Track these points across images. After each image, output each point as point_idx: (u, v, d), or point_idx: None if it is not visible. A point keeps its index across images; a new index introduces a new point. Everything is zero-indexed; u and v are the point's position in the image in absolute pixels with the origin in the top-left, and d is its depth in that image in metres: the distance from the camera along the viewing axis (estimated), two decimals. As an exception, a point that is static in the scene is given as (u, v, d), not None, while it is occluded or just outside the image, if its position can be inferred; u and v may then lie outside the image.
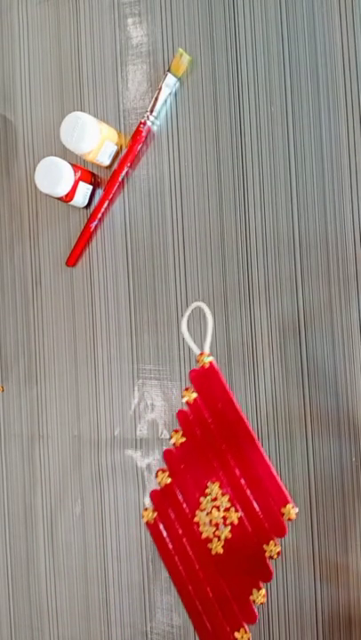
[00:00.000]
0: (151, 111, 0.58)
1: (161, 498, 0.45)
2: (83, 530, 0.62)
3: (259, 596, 0.43)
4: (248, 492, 0.43)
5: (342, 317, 0.52)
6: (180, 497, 0.45)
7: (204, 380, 0.45)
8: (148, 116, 0.58)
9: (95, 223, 0.61)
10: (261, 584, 0.43)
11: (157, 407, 0.59)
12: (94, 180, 0.61)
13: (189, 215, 0.58)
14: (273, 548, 0.43)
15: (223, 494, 0.44)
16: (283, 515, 0.43)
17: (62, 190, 0.57)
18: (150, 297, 0.59)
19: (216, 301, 0.56)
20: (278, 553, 0.43)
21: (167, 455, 0.46)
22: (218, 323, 0.56)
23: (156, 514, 0.46)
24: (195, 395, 0.46)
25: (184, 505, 0.45)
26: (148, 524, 0.46)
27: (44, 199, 0.64)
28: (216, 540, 0.44)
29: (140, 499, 0.59)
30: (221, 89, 0.56)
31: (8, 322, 0.66)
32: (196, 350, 0.49)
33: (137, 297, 0.60)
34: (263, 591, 0.43)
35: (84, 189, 0.59)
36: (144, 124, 0.58)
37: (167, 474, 0.45)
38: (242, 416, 0.44)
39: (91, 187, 0.60)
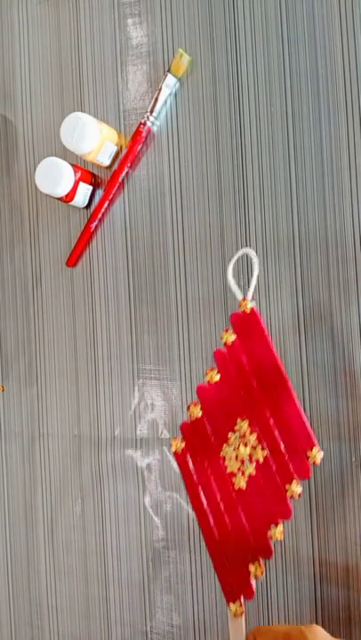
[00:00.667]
0: (151, 111, 0.58)
1: (190, 430, 0.47)
2: (83, 528, 0.62)
3: (276, 532, 0.44)
4: (276, 432, 0.44)
5: (342, 319, 0.52)
6: (209, 430, 0.46)
7: (244, 323, 0.47)
8: (148, 117, 0.58)
9: (95, 223, 0.61)
10: (280, 520, 0.44)
11: (157, 407, 0.59)
12: (94, 181, 0.61)
13: (189, 215, 0.58)
14: (295, 488, 0.44)
15: (251, 432, 0.45)
16: (308, 458, 0.44)
17: (62, 190, 0.57)
18: (150, 297, 0.59)
19: (216, 301, 0.56)
20: (300, 494, 0.44)
21: (200, 391, 0.47)
22: (218, 324, 0.56)
23: (184, 444, 0.47)
24: (233, 337, 0.47)
25: (212, 438, 0.46)
26: (175, 453, 0.48)
27: (44, 199, 0.64)
28: (240, 474, 0.45)
29: (140, 498, 0.59)
30: (221, 89, 0.56)
31: (8, 321, 0.66)
32: (240, 296, 0.50)
33: (137, 297, 0.60)
34: (281, 528, 0.44)
35: (85, 189, 0.59)
36: (144, 124, 0.58)
37: (199, 407, 0.47)
38: (278, 360, 0.45)
39: (91, 187, 0.60)
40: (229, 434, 0.46)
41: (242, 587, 0.45)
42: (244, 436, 0.46)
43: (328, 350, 0.52)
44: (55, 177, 0.56)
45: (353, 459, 0.51)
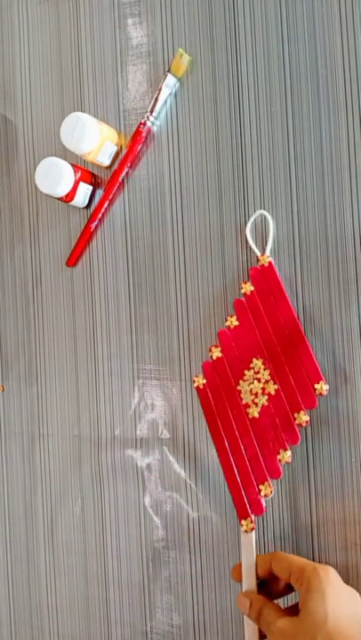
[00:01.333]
0: (151, 111, 0.58)
1: (211, 368, 0.54)
2: (83, 529, 0.62)
3: (285, 456, 0.50)
4: (287, 368, 0.51)
5: (342, 319, 0.52)
6: (227, 368, 0.53)
7: (262, 276, 0.53)
8: (148, 117, 0.58)
9: (95, 223, 0.61)
10: (288, 446, 0.50)
11: (157, 407, 0.59)
12: (94, 181, 0.61)
13: (189, 215, 0.58)
14: (303, 416, 0.50)
15: (265, 369, 0.51)
16: (315, 390, 0.50)
17: (62, 190, 0.57)
18: (150, 297, 0.59)
19: (216, 302, 0.56)
20: (307, 422, 0.50)
21: (221, 335, 0.54)
22: (218, 323, 0.56)
23: (205, 381, 0.54)
24: (252, 288, 0.53)
25: (230, 375, 0.53)
26: (197, 388, 0.54)
27: (44, 199, 0.64)
28: (254, 405, 0.51)
29: (140, 498, 0.59)
30: (221, 89, 0.56)
31: (8, 321, 0.66)
32: (258, 252, 0.54)
33: (137, 297, 0.60)
34: (289, 452, 0.50)
35: (85, 189, 0.59)
36: (144, 124, 0.58)
37: (219, 349, 0.54)
38: (291, 308, 0.52)
39: (91, 187, 0.60)
40: (245, 371, 0.52)
41: (253, 505, 0.51)
42: (258, 372, 0.52)
43: (328, 349, 0.52)
44: (55, 177, 0.56)
45: (353, 459, 0.51)
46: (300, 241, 0.53)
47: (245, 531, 0.51)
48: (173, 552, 0.58)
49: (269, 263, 0.53)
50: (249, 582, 0.49)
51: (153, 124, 0.58)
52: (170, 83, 0.57)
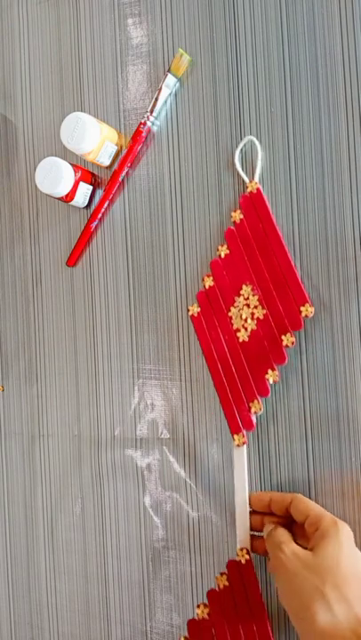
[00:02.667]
0: (151, 111, 0.58)
1: (204, 297, 0.56)
2: (83, 528, 0.62)
3: (272, 376, 0.52)
4: (274, 293, 0.53)
5: (342, 318, 0.52)
6: (219, 296, 0.55)
7: (251, 203, 0.54)
8: (148, 117, 0.58)
9: (95, 223, 0.61)
10: (275, 366, 0.52)
11: (157, 407, 0.59)
12: (94, 181, 0.61)
13: (189, 215, 0.58)
14: (289, 338, 0.52)
15: (254, 295, 0.53)
16: (301, 312, 0.52)
17: (62, 190, 0.57)
18: (150, 297, 0.59)
19: (216, 302, 0.56)
20: (293, 342, 0.51)
21: (213, 264, 0.55)
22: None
23: (199, 309, 0.56)
24: (241, 216, 0.54)
25: (222, 302, 0.55)
26: (192, 316, 0.56)
27: (44, 199, 0.64)
28: (244, 330, 0.54)
29: (140, 498, 0.59)
30: (221, 89, 0.56)
31: (8, 321, 0.66)
32: (247, 179, 0.54)
33: (137, 297, 0.60)
34: (277, 372, 0.52)
35: (85, 189, 0.59)
36: (144, 124, 0.58)
37: (211, 278, 0.55)
38: (278, 233, 0.53)
39: (91, 187, 0.60)
40: (235, 297, 0.54)
41: (244, 421, 0.53)
42: (247, 298, 0.54)
43: (328, 349, 0.52)
44: (55, 177, 0.56)
45: (353, 459, 0.51)
46: (301, 241, 0.53)
47: (237, 445, 0.53)
48: (173, 552, 0.58)
49: (258, 190, 0.54)
50: (241, 496, 0.53)
51: (153, 123, 0.58)
52: (170, 83, 0.57)
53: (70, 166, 0.57)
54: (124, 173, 0.59)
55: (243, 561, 0.52)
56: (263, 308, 0.53)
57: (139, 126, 0.58)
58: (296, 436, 0.53)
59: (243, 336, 0.54)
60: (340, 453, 0.52)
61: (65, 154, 0.60)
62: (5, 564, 0.66)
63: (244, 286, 0.54)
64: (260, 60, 0.54)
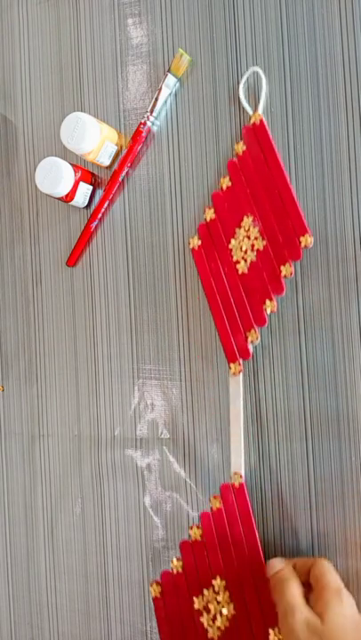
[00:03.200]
0: (151, 111, 0.58)
1: (205, 230, 0.56)
2: (83, 528, 0.62)
3: (270, 306, 0.52)
4: (275, 224, 0.53)
5: (342, 318, 0.52)
6: (220, 228, 0.55)
7: (253, 134, 0.54)
8: (148, 117, 0.58)
9: (95, 223, 0.61)
10: (273, 296, 0.52)
11: (157, 407, 0.59)
12: (94, 181, 0.61)
13: (189, 215, 0.58)
14: (288, 268, 0.52)
15: (255, 226, 0.53)
16: (300, 242, 0.51)
17: (63, 190, 0.57)
18: (150, 297, 0.59)
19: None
20: (291, 273, 0.52)
21: (215, 196, 0.55)
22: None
23: (200, 242, 0.56)
24: (244, 147, 0.54)
25: (222, 235, 0.55)
26: (192, 250, 0.56)
27: (44, 199, 0.64)
28: (243, 262, 0.54)
29: (140, 498, 0.59)
30: (221, 89, 0.56)
31: (8, 321, 0.66)
32: (250, 110, 0.54)
33: (137, 297, 0.60)
34: (274, 302, 0.52)
35: (85, 189, 0.59)
36: (144, 124, 0.58)
37: (213, 210, 0.55)
38: (280, 164, 0.53)
39: (91, 187, 0.60)
40: (236, 229, 0.54)
41: (240, 350, 0.54)
42: (248, 230, 0.54)
43: (328, 349, 0.52)
44: (55, 177, 0.56)
45: (353, 459, 0.52)
46: (300, 241, 0.53)
47: (233, 373, 0.54)
48: (173, 552, 0.58)
49: (261, 121, 0.54)
50: (236, 423, 0.54)
51: (153, 123, 0.58)
52: (170, 83, 0.57)
53: (70, 166, 0.57)
54: (124, 173, 0.59)
55: (236, 484, 0.53)
56: (263, 239, 0.53)
57: (139, 126, 0.58)
58: (296, 436, 0.53)
59: (242, 268, 0.54)
60: (340, 453, 0.52)
61: (65, 154, 0.60)
62: (5, 563, 0.66)
63: (245, 218, 0.54)
64: (261, 59, 0.54)
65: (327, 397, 0.52)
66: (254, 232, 0.53)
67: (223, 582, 0.52)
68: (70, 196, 0.58)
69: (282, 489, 0.54)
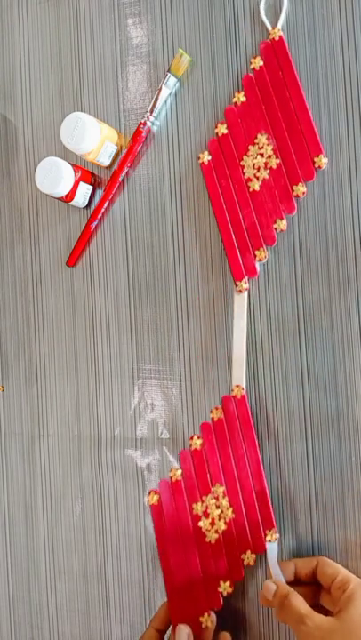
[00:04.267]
0: (151, 111, 0.58)
1: (216, 145, 0.55)
2: (83, 528, 0.62)
3: (281, 225, 0.53)
4: (290, 142, 0.52)
5: (342, 318, 0.52)
6: (232, 145, 0.55)
7: (272, 50, 0.53)
8: (148, 117, 0.58)
9: (95, 223, 0.61)
10: (284, 215, 0.53)
11: (157, 407, 0.59)
12: (94, 181, 0.61)
13: (189, 215, 0.58)
14: (300, 188, 0.52)
15: (268, 144, 0.53)
16: (314, 163, 0.52)
17: (62, 190, 0.57)
18: (150, 297, 0.59)
19: (216, 301, 0.56)
20: (304, 192, 0.52)
21: (228, 111, 0.55)
22: (218, 323, 0.56)
23: (210, 157, 0.55)
24: (261, 63, 0.54)
25: (234, 151, 0.54)
26: (202, 164, 0.56)
27: (44, 199, 0.64)
28: (255, 179, 0.53)
29: (139, 498, 0.59)
30: (221, 89, 0.56)
31: (8, 321, 0.66)
32: (269, 26, 0.54)
33: (137, 297, 0.60)
34: (285, 221, 0.53)
35: (85, 189, 0.59)
36: (144, 124, 0.58)
37: (225, 126, 0.55)
38: (298, 82, 0.52)
39: (91, 187, 0.60)
40: (249, 147, 0.54)
41: (247, 268, 0.55)
42: (262, 147, 0.53)
43: (328, 349, 0.52)
44: (55, 177, 0.56)
45: (353, 459, 0.52)
46: (301, 241, 0.53)
47: (239, 291, 0.55)
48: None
49: (280, 37, 0.53)
50: (240, 339, 0.55)
51: (153, 123, 0.58)
52: (170, 83, 0.57)
53: (70, 166, 0.57)
54: (124, 173, 0.59)
55: (238, 396, 0.54)
56: (277, 157, 0.53)
57: (139, 126, 0.58)
58: (296, 436, 0.53)
59: (253, 185, 0.54)
60: (340, 453, 0.52)
61: (65, 154, 0.60)
62: (5, 563, 0.66)
63: (258, 135, 0.53)
64: (260, 59, 0.54)
65: (327, 397, 0.52)
66: (268, 150, 0.53)
67: (223, 488, 0.53)
68: (70, 196, 0.58)
69: (281, 488, 0.54)
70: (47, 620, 0.64)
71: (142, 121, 0.58)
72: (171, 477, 0.55)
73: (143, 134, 0.58)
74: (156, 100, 0.57)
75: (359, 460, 0.51)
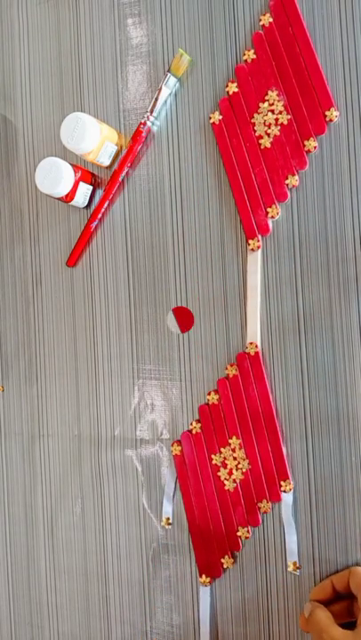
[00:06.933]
0: (151, 111, 0.58)
1: (227, 104, 0.55)
2: (83, 528, 0.62)
3: (292, 181, 0.53)
4: (300, 97, 0.52)
5: (342, 318, 0.52)
6: (243, 103, 0.54)
7: (281, 6, 0.53)
8: (148, 117, 0.58)
9: (95, 223, 0.61)
10: (296, 171, 0.53)
11: (157, 407, 0.59)
12: (94, 181, 0.61)
13: (189, 215, 0.58)
14: (312, 143, 0.52)
15: (279, 100, 0.53)
16: (326, 116, 0.52)
17: (62, 190, 0.57)
18: (150, 297, 0.59)
19: (216, 302, 0.56)
20: (315, 147, 0.52)
21: (239, 69, 0.55)
22: (217, 324, 0.56)
23: (221, 117, 0.55)
24: (271, 19, 0.54)
25: (245, 109, 0.54)
26: (213, 124, 0.56)
27: (44, 199, 0.64)
28: (266, 136, 0.54)
29: (139, 498, 0.59)
30: (221, 89, 0.56)
31: (8, 321, 0.66)
32: None
33: (137, 297, 0.60)
34: (296, 177, 0.53)
35: (85, 189, 0.59)
36: (144, 124, 0.58)
37: (235, 84, 0.55)
38: (308, 37, 0.52)
39: (91, 187, 0.60)
40: (260, 104, 0.54)
41: (260, 226, 0.55)
42: (272, 104, 0.53)
43: (328, 348, 0.52)
44: (55, 177, 0.56)
45: (353, 458, 0.52)
46: (300, 241, 0.53)
47: (252, 249, 0.55)
48: (173, 552, 0.58)
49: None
50: (253, 297, 0.55)
51: (153, 123, 0.58)
52: (170, 83, 0.57)
53: (70, 166, 0.57)
54: (124, 173, 0.59)
55: (252, 353, 0.55)
56: (288, 113, 0.53)
57: (139, 126, 0.58)
58: (296, 435, 0.53)
59: (265, 142, 0.54)
60: (340, 452, 0.52)
61: (65, 154, 0.60)
62: (5, 563, 0.66)
63: (269, 92, 0.54)
64: (260, 60, 0.54)
65: (327, 396, 0.52)
66: (279, 106, 0.53)
67: (239, 441, 0.55)
68: (70, 196, 0.58)
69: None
70: (47, 619, 0.64)
71: (142, 121, 0.58)
72: (191, 430, 0.57)
73: (143, 134, 0.58)
74: (156, 100, 0.57)
75: (359, 459, 0.51)
